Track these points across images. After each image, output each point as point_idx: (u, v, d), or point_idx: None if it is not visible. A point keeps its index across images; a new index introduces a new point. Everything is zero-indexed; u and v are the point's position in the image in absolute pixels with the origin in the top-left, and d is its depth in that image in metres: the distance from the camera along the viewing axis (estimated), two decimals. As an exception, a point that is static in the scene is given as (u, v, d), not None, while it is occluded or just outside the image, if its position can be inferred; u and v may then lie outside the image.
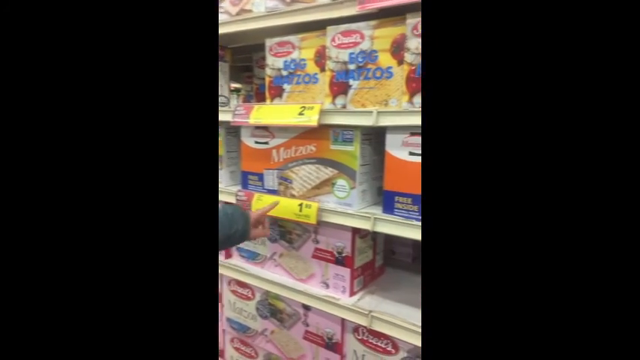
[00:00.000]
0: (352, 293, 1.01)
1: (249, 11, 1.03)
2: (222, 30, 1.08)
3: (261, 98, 1.44)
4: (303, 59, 0.99)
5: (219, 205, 0.90)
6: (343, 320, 1.00)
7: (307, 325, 1.09)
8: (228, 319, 1.30)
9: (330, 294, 1.01)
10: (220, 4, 1.09)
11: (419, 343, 0.85)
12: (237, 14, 1.05)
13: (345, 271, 1.00)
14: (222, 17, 1.09)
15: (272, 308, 1.17)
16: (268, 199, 1.05)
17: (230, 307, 1.29)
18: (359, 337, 0.99)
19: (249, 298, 1.23)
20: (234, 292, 1.26)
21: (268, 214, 0.98)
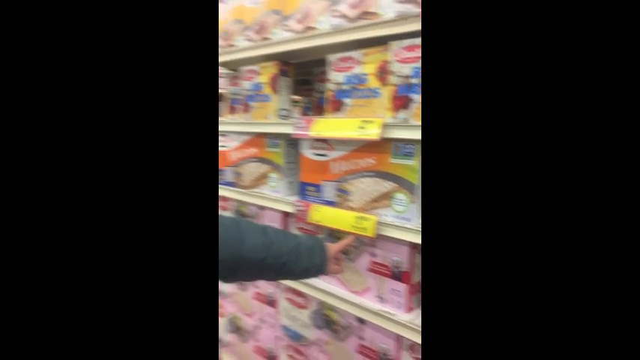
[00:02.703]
0: (409, 310, 0.99)
1: (314, 28, 1.07)
2: (287, 47, 1.13)
3: (319, 111, 1.48)
4: (365, 74, 1.01)
5: (301, 234, 0.91)
6: (398, 336, 0.99)
7: (362, 338, 1.08)
8: (283, 327, 1.33)
9: (385, 309, 1.00)
10: (285, 22, 1.14)
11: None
12: (302, 31, 1.10)
13: (402, 287, 0.98)
14: (286, 35, 1.14)
15: (326, 319, 1.18)
16: (326, 210, 1.07)
17: (285, 314, 1.32)
18: (415, 356, 0.96)
19: (303, 307, 1.25)
20: (289, 299, 1.29)
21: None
